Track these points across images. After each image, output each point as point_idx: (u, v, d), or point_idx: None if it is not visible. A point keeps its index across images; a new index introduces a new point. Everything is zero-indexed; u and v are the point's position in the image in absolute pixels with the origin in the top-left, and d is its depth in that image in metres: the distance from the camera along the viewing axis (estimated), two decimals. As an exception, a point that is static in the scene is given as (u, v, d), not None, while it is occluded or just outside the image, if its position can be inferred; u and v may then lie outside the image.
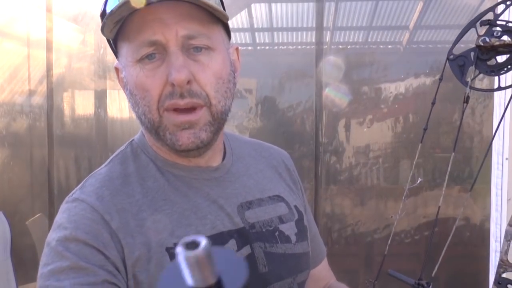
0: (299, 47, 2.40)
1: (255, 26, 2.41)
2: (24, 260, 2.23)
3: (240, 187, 0.78)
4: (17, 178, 2.46)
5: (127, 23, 0.67)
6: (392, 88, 2.26)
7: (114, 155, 0.77)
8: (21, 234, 2.18)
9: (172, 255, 0.67)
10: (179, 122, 0.68)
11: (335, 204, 2.30)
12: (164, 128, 0.69)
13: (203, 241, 0.22)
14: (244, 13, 2.40)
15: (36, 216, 2.38)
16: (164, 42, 0.66)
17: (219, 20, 0.71)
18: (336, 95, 2.27)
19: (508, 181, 1.74)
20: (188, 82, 0.66)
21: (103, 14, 0.70)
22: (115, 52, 0.75)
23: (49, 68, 2.41)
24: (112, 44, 0.73)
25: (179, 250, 0.23)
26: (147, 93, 0.68)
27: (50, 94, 2.41)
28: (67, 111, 2.45)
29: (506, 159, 1.74)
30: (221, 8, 0.71)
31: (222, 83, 0.70)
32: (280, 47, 2.46)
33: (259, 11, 2.41)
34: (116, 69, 0.76)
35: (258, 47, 2.46)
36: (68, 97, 2.45)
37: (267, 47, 2.47)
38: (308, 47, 2.33)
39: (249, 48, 2.44)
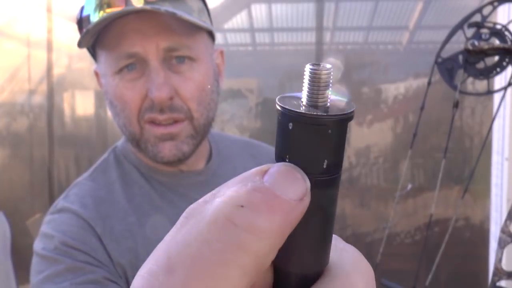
0: (299, 47, 2.39)
1: (255, 26, 2.40)
2: (24, 260, 2.23)
3: None
4: (17, 178, 2.46)
5: (105, 31, 0.65)
6: (392, 88, 2.26)
7: (97, 163, 0.76)
8: (21, 234, 2.17)
9: None
10: (160, 134, 0.66)
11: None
12: (145, 141, 0.68)
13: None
14: (244, 13, 2.40)
15: (36, 216, 2.37)
16: (144, 55, 0.64)
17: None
18: (335, 95, 2.26)
19: (508, 181, 1.74)
20: (171, 98, 0.64)
21: (80, 22, 0.69)
22: (94, 56, 0.73)
23: (49, 68, 2.40)
24: (91, 49, 0.72)
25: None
26: (126, 105, 0.66)
27: (50, 94, 2.41)
28: (67, 111, 2.44)
29: (506, 159, 1.73)
30: (205, 17, 0.68)
31: (205, 95, 0.68)
32: (280, 47, 2.46)
33: (259, 11, 2.41)
34: (96, 73, 0.75)
35: (258, 48, 2.45)
36: (68, 97, 2.45)
37: (267, 48, 2.47)
38: (308, 47, 2.32)
39: (249, 48, 2.43)
